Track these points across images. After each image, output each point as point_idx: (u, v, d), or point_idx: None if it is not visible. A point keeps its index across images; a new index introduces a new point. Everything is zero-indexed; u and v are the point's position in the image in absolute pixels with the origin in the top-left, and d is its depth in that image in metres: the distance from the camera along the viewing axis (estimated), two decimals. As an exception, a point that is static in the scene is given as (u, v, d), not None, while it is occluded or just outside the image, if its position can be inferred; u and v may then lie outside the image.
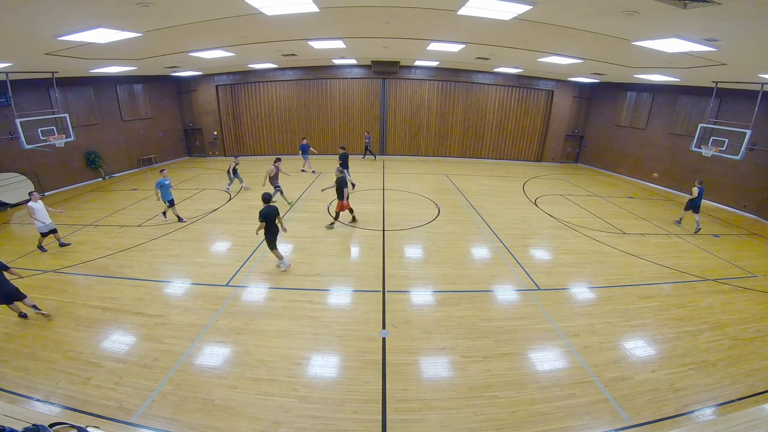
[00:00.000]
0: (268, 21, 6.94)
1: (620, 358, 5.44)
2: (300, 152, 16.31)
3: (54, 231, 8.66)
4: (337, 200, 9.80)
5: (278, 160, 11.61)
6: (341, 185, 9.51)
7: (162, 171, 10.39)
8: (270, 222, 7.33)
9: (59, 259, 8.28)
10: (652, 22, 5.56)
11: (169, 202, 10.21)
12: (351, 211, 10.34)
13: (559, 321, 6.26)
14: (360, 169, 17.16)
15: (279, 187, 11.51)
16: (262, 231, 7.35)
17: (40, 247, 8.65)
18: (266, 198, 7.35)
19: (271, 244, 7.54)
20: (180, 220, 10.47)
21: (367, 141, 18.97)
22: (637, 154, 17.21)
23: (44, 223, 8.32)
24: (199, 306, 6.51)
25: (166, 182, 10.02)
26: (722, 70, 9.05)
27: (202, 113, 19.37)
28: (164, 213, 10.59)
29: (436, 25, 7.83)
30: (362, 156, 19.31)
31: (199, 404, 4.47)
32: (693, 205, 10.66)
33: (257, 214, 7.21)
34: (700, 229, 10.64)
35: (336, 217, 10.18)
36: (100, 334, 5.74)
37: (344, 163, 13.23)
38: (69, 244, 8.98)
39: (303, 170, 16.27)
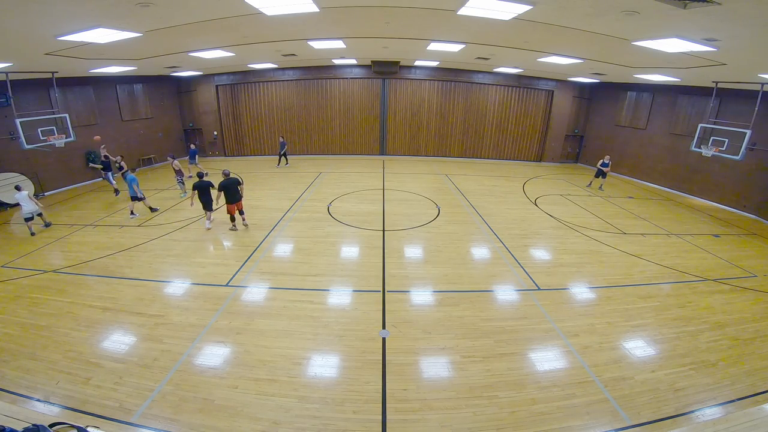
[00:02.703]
0: (268, 21, 6.94)
1: (620, 358, 5.44)
2: (188, 157, 16.27)
3: (39, 214, 9.88)
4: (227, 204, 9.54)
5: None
6: (223, 188, 9.25)
7: (135, 170, 11.37)
8: (202, 192, 9.49)
9: (59, 259, 8.29)
10: (652, 22, 5.55)
11: (132, 197, 10.79)
12: (232, 218, 9.78)
13: (559, 321, 6.26)
14: (359, 170, 17.18)
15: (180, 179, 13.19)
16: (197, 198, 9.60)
17: (31, 233, 9.71)
18: (200, 175, 9.71)
19: (207, 207, 9.74)
20: (133, 214, 10.91)
21: (283, 146, 17.39)
22: (637, 154, 17.21)
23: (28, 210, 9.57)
24: (199, 306, 6.51)
25: (134, 178, 10.74)
26: (722, 70, 9.05)
27: (202, 113, 19.36)
28: (132, 212, 10.99)
29: (436, 25, 7.83)
30: (277, 163, 17.68)
31: (199, 404, 4.47)
32: (600, 174, 14.95)
33: (253, 214, 7.27)
34: (598, 188, 15.22)
35: (231, 219, 9.77)
36: (100, 334, 5.74)
37: (106, 167, 12.92)
38: (50, 224, 10.24)
39: (190, 176, 15.09)
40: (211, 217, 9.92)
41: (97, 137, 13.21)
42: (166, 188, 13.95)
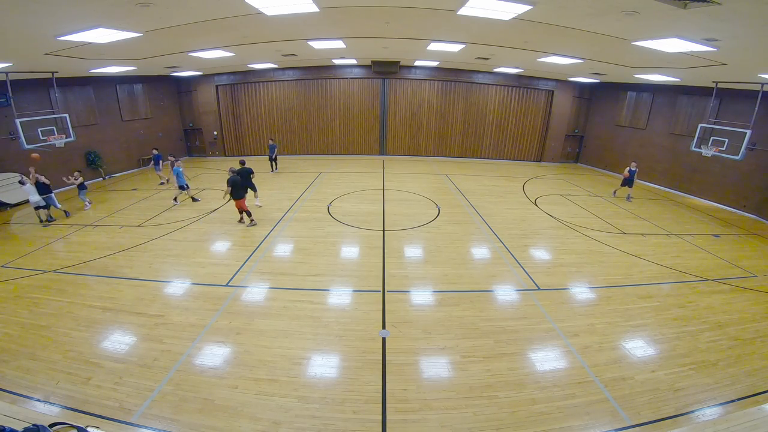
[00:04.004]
0: (268, 21, 6.94)
1: (620, 358, 5.44)
2: (151, 163, 14.86)
3: (45, 207, 10.40)
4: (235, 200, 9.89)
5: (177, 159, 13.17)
6: (233, 185, 9.63)
7: (177, 160, 12.33)
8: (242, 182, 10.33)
9: (59, 259, 8.29)
10: (652, 22, 5.56)
11: (181, 186, 11.86)
12: (244, 213, 10.11)
13: (559, 321, 6.26)
14: (359, 169, 17.17)
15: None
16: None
17: (41, 220, 10.40)
18: (242, 162, 11.18)
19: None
20: (194, 200, 12.31)
21: (272, 150, 16.27)
22: (637, 154, 17.20)
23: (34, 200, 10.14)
24: (199, 306, 6.51)
25: (180, 170, 11.77)
26: (722, 70, 9.05)
27: (202, 113, 19.37)
28: (176, 198, 12.13)
29: (436, 25, 7.83)
30: (272, 169, 16.61)
31: (199, 404, 4.47)
32: (627, 182, 13.45)
33: (256, 215, 7.29)
34: (626, 198, 13.81)
35: (248, 214, 10.13)
36: (100, 334, 5.74)
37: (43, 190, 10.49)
38: (54, 219, 10.70)
39: (162, 183, 14.60)
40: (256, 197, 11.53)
41: (36, 155, 10.89)
42: (168, 188, 13.94)
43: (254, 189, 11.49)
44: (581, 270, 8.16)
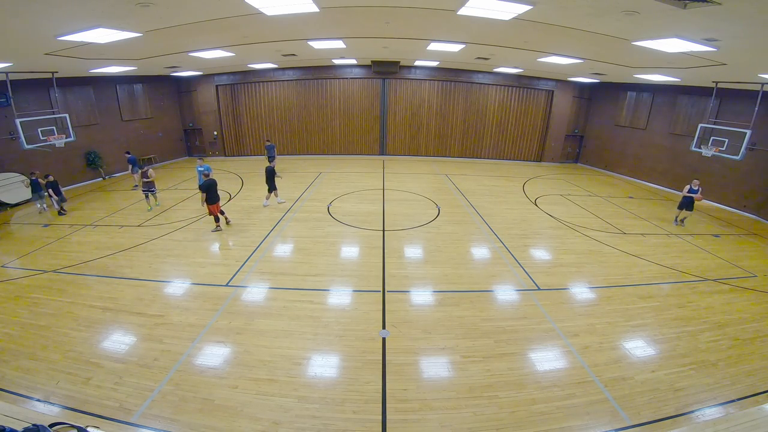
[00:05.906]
0: (268, 21, 6.94)
1: (620, 358, 5.44)
2: (130, 166, 14.45)
3: None
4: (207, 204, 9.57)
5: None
6: (207, 189, 9.37)
7: (148, 168, 11.52)
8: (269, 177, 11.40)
9: (59, 259, 8.29)
10: (652, 22, 5.56)
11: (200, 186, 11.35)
12: (217, 218, 9.88)
13: (559, 321, 6.25)
14: (359, 169, 17.17)
15: (151, 190, 11.66)
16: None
17: None
18: (270, 160, 12.23)
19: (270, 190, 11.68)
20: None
21: (270, 150, 15.98)
22: (637, 154, 17.21)
23: None
24: (199, 306, 6.51)
25: (199, 169, 11.52)
26: (722, 70, 9.05)
27: (202, 113, 19.36)
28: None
29: (436, 25, 7.83)
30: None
31: (199, 404, 4.47)
32: (686, 204, 11.07)
33: (254, 214, 7.27)
34: (680, 221, 11.51)
35: (216, 220, 9.86)
36: (100, 334, 5.74)
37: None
38: None
39: (136, 186, 13.90)
40: (269, 197, 11.79)
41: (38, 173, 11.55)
42: (169, 188, 13.94)
43: (270, 190, 11.66)
44: (581, 270, 8.16)
